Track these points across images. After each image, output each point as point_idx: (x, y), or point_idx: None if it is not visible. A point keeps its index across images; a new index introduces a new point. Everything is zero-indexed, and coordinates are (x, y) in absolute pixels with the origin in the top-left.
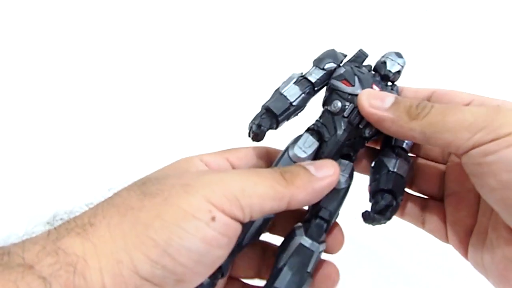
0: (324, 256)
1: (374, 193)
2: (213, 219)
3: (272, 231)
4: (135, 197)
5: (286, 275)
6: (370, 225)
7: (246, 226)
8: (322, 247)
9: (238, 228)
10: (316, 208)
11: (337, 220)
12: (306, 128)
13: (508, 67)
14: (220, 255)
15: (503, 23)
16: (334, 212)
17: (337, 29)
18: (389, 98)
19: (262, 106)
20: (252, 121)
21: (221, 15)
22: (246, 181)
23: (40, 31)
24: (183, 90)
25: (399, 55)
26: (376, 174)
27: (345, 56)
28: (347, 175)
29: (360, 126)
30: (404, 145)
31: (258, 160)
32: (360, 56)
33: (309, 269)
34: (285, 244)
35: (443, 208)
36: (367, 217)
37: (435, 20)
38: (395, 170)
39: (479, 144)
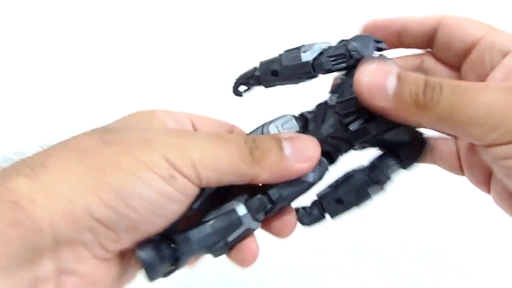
0: (324, 255)
1: (321, 197)
2: (172, 177)
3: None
4: (93, 143)
5: (204, 230)
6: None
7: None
8: (255, 225)
9: (195, 189)
10: (268, 184)
11: (343, 223)
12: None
13: None
14: (176, 210)
15: (504, 24)
16: (285, 199)
17: (337, 29)
18: (391, 80)
19: (260, 63)
20: (238, 78)
21: (219, 15)
22: (207, 152)
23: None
24: (179, 87)
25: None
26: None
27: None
28: (317, 172)
29: (350, 128)
30: (384, 176)
31: (220, 131)
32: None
33: (229, 239)
34: (220, 204)
35: (453, 142)
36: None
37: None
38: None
39: (494, 144)
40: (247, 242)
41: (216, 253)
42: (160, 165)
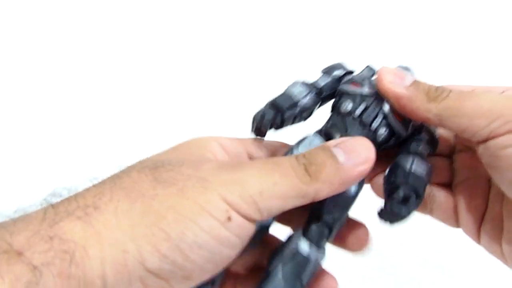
0: (344, 255)
1: (390, 193)
2: (229, 219)
3: (279, 220)
4: (146, 182)
5: (277, 281)
6: (388, 226)
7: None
8: (321, 256)
9: (252, 229)
10: (318, 211)
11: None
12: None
13: (508, 70)
14: (230, 255)
15: (504, 24)
16: (338, 219)
17: (340, 26)
18: (409, 77)
19: (267, 102)
20: (254, 115)
21: (224, 16)
22: (265, 181)
23: (37, 30)
24: (186, 89)
25: (406, 69)
26: (391, 177)
27: (352, 72)
28: (356, 183)
29: (372, 127)
30: (421, 148)
31: (274, 153)
32: (368, 72)
33: (304, 279)
34: (281, 246)
35: (451, 195)
36: (383, 213)
37: (436, 21)
38: (413, 170)
39: (496, 135)
40: (326, 280)
41: None
42: (218, 207)
